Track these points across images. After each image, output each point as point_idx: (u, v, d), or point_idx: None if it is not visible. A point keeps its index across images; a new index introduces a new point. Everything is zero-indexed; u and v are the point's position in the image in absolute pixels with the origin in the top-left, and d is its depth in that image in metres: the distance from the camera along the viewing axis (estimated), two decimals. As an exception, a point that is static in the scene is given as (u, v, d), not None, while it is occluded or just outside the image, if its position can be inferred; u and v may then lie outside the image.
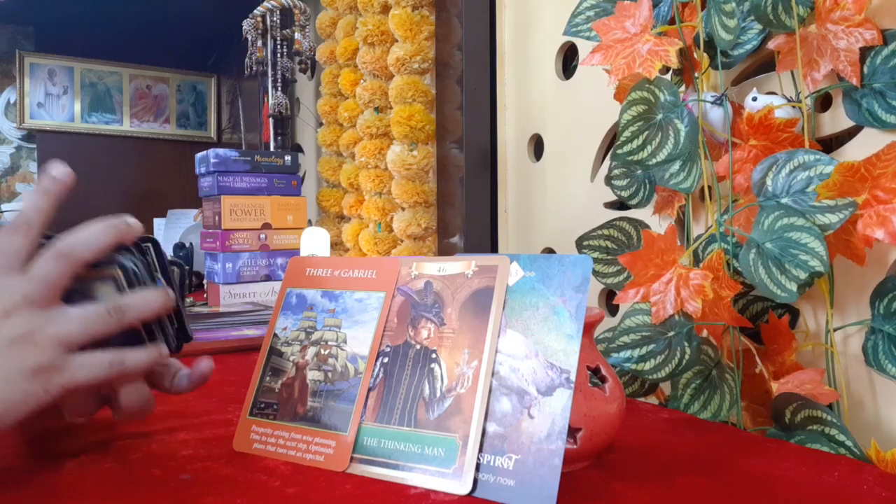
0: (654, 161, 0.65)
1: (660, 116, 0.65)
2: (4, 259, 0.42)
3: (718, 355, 0.64)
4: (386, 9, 1.37)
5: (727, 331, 0.64)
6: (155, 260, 0.49)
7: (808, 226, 0.53)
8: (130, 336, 0.45)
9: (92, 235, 0.44)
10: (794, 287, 0.52)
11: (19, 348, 0.40)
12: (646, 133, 0.65)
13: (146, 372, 0.46)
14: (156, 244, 0.49)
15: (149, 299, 0.45)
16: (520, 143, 1.08)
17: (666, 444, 0.51)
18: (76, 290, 0.44)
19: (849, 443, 0.53)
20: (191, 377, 0.49)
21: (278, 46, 1.82)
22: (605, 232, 0.77)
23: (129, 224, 0.46)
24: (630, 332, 0.64)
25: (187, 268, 1.68)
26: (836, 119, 0.61)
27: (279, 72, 1.83)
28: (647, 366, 0.63)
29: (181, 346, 0.50)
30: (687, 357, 0.61)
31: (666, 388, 0.75)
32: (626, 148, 0.65)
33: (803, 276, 0.52)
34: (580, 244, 0.78)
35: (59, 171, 0.45)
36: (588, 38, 0.76)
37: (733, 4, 0.62)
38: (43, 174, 0.45)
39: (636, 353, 0.63)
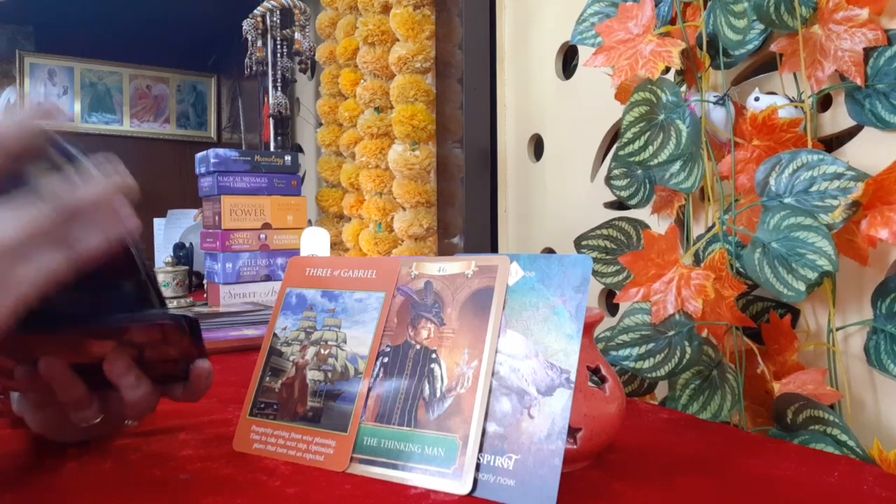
0: (655, 161, 0.65)
1: (662, 117, 0.65)
2: None
3: (719, 355, 0.64)
4: (386, 8, 1.37)
5: (729, 331, 0.64)
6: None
7: (816, 225, 0.53)
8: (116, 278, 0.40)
9: (12, 123, 0.36)
10: (802, 287, 0.52)
11: None
12: (648, 134, 0.65)
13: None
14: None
15: (100, 183, 0.37)
16: (520, 143, 1.08)
17: (666, 444, 0.51)
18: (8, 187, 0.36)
19: (851, 443, 0.53)
20: (193, 387, 0.46)
21: (278, 46, 1.82)
22: (604, 232, 0.77)
23: (54, 110, 0.38)
24: (629, 331, 0.64)
25: (185, 268, 1.68)
26: (837, 119, 0.61)
27: (279, 72, 1.83)
28: (646, 364, 0.63)
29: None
30: (687, 356, 0.61)
31: (662, 390, 0.75)
32: (629, 149, 0.65)
33: (812, 275, 0.52)
34: (579, 244, 0.78)
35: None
36: (593, 46, 0.75)
37: (744, 4, 0.62)
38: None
39: (635, 351, 0.63)
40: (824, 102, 0.63)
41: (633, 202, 0.79)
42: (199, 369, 0.45)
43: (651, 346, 0.63)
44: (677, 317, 0.62)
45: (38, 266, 0.35)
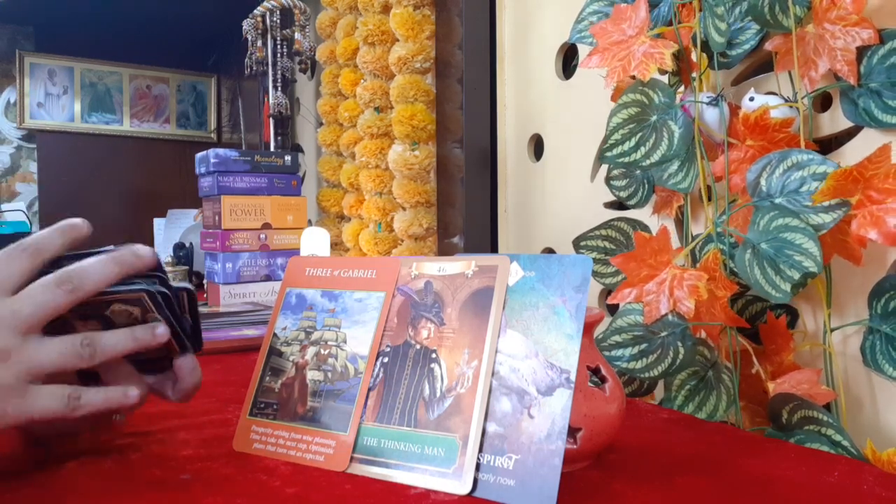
0: (647, 162, 0.65)
1: (654, 118, 0.65)
2: (2, 275, 0.41)
3: (715, 356, 0.64)
4: (386, 8, 1.37)
5: (724, 331, 0.64)
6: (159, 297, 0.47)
7: (803, 226, 0.53)
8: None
9: (98, 267, 0.43)
10: (787, 287, 0.53)
11: None
12: (639, 135, 0.65)
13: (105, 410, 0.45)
14: (163, 279, 0.47)
15: (121, 338, 0.44)
16: (520, 143, 1.08)
17: (666, 444, 0.51)
18: (97, 316, 0.44)
19: (845, 443, 0.53)
20: (183, 389, 0.48)
21: (278, 46, 1.82)
22: (603, 232, 0.77)
23: (138, 255, 0.45)
24: (622, 332, 0.65)
25: (185, 268, 1.68)
26: (836, 119, 0.61)
27: (279, 72, 1.83)
28: (639, 364, 0.63)
29: (199, 346, 0.49)
30: (681, 357, 0.61)
31: (658, 391, 0.75)
32: (617, 150, 0.65)
33: (797, 276, 0.52)
34: (577, 244, 0.78)
35: (81, 222, 0.45)
36: (592, 45, 0.76)
37: (723, 7, 0.62)
38: (66, 221, 0.45)
39: (628, 352, 0.64)
40: (824, 103, 0.63)
41: (632, 202, 0.79)
42: (182, 363, 0.47)
43: (644, 346, 0.63)
44: (670, 317, 0.62)
45: (46, 401, 0.41)
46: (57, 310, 0.41)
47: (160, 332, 0.45)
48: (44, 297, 0.41)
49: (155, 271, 0.46)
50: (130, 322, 0.45)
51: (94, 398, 0.43)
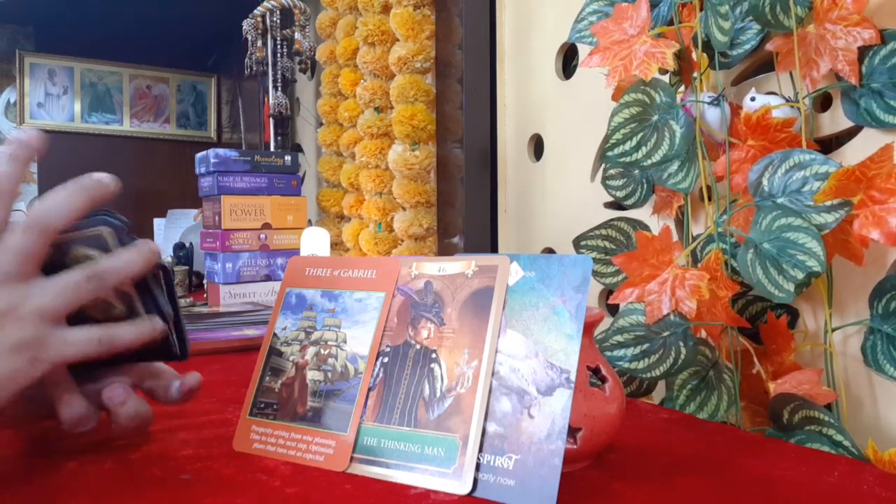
0: (649, 162, 0.65)
1: (655, 118, 0.65)
2: None
3: (716, 356, 0.64)
4: (386, 8, 1.37)
5: (725, 331, 0.64)
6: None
7: (806, 226, 0.53)
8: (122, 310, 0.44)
9: (64, 200, 0.41)
10: (791, 287, 0.52)
11: (1, 325, 0.39)
12: (641, 134, 0.65)
13: (138, 375, 0.46)
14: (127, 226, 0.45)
15: (129, 259, 0.43)
16: (520, 143, 1.08)
17: (666, 444, 0.51)
18: (60, 255, 0.42)
19: (846, 443, 0.53)
20: (180, 390, 0.49)
21: (278, 46, 1.82)
22: (604, 232, 0.77)
23: (102, 182, 0.43)
24: (623, 332, 0.64)
25: (185, 268, 1.68)
26: (836, 119, 0.61)
27: (279, 72, 1.83)
28: (641, 365, 0.63)
29: (186, 355, 0.48)
30: (682, 357, 0.61)
31: (659, 391, 0.75)
32: (619, 150, 0.65)
33: (801, 276, 0.52)
34: (578, 244, 0.78)
35: (28, 134, 0.43)
36: (591, 44, 0.76)
37: (727, 6, 0.62)
38: (11, 139, 0.43)
39: (629, 352, 0.63)
40: (824, 103, 0.63)
41: (629, 202, 0.79)
42: (188, 382, 0.49)
43: (646, 346, 0.63)
44: (672, 317, 0.62)
45: (75, 337, 0.41)
46: (36, 248, 0.40)
47: (153, 245, 0.44)
48: (18, 241, 0.40)
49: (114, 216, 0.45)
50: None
51: (128, 333, 0.43)
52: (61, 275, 0.41)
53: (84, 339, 0.41)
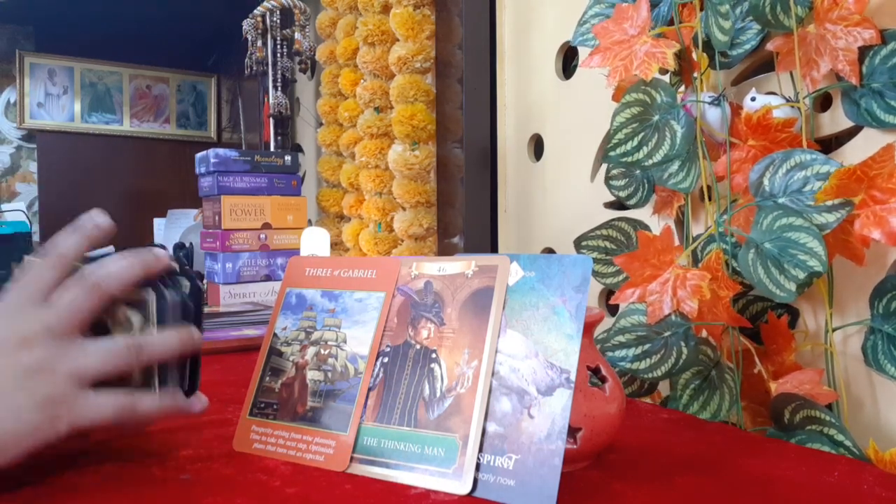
0: (650, 162, 0.65)
1: (656, 118, 0.65)
2: (31, 288, 0.41)
3: (718, 356, 0.64)
4: (386, 8, 1.37)
5: (726, 331, 0.64)
6: (186, 295, 0.47)
7: (807, 226, 0.53)
8: (146, 376, 0.45)
9: (122, 268, 0.43)
10: (792, 287, 0.52)
11: (33, 378, 0.39)
12: (642, 134, 0.65)
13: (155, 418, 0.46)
14: (191, 277, 0.47)
15: (170, 339, 0.44)
16: (520, 143, 1.08)
17: (666, 444, 0.51)
18: (104, 320, 0.43)
19: (847, 443, 0.53)
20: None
21: (278, 46, 1.82)
22: (604, 232, 0.77)
23: (158, 257, 0.45)
24: (625, 332, 0.65)
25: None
26: (836, 119, 0.61)
27: (279, 72, 1.83)
28: (643, 365, 0.63)
29: (194, 391, 0.48)
30: (684, 357, 0.61)
31: (664, 389, 0.75)
32: (620, 150, 0.65)
33: (802, 275, 0.52)
34: (578, 244, 0.78)
35: (102, 219, 0.45)
36: (594, 47, 0.76)
37: (727, 6, 0.62)
38: (86, 217, 0.44)
39: (631, 352, 0.63)
40: (824, 102, 0.63)
41: (631, 202, 0.79)
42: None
43: (647, 346, 0.63)
44: (673, 317, 0.62)
45: (97, 404, 0.41)
46: (88, 311, 0.41)
47: (196, 334, 0.45)
48: (73, 300, 0.41)
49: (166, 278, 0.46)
50: (129, 332, 0.45)
51: (150, 404, 0.43)
52: (102, 340, 0.42)
53: (107, 405, 0.42)
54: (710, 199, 0.67)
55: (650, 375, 0.62)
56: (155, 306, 0.44)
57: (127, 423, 0.43)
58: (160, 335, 0.44)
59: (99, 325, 0.43)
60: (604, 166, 0.90)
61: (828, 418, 0.54)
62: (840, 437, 0.53)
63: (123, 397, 0.42)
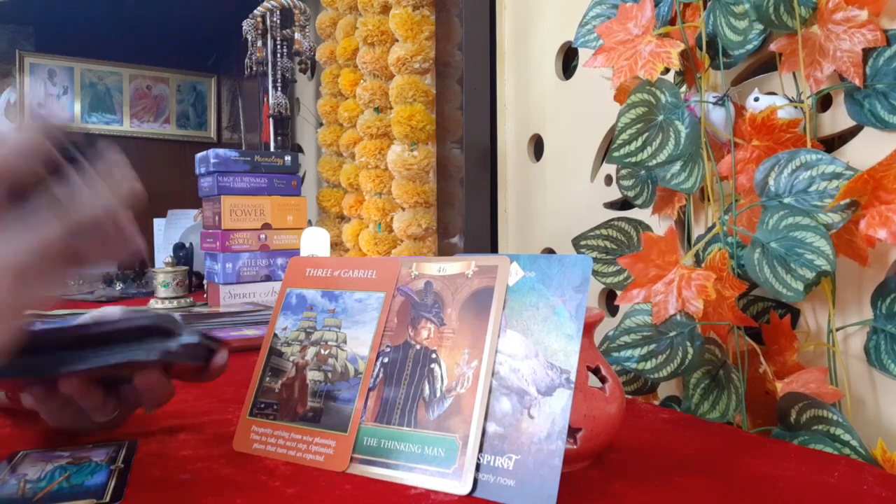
0: (654, 162, 0.65)
1: (661, 118, 0.65)
2: None
3: (725, 355, 0.64)
4: (386, 9, 1.37)
5: (731, 331, 0.64)
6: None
7: (814, 225, 0.53)
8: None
9: (20, 142, 0.36)
10: (800, 286, 0.52)
11: None
12: (646, 135, 0.65)
13: None
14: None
15: (102, 189, 0.37)
16: (520, 143, 1.08)
17: (666, 444, 0.51)
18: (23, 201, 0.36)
19: (854, 442, 0.53)
20: (210, 370, 0.49)
21: (278, 46, 1.82)
22: (603, 232, 0.77)
23: (59, 125, 0.38)
24: (631, 332, 0.65)
25: (185, 268, 1.67)
26: (837, 119, 0.61)
27: (279, 72, 1.83)
28: (649, 365, 0.63)
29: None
30: (690, 357, 0.61)
31: (664, 390, 0.75)
32: (624, 150, 0.65)
33: (810, 275, 0.52)
34: (577, 244, 0.78)
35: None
36: (596, 48, 0.76)
37: (745, 5, 0.61)
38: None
39: (637, 352, 0.63)
40: (824, 102, 0.63)
41: (638, 202, 0.79)
42: (217, 362, 0.48)
43: (653, 346, 0.63)
44: (678, 317, 0.62)
45: (41, 289, 0.36)
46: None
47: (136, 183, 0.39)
48: None
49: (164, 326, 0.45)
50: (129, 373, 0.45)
51: (94, 255, 0.37)
52: (24, 220, 0.36)
53: (53, 281, 0.36)
54: (712, 199, 0.67)
55: (656, 375, 0.62)
56: (73, 169, 0.37)
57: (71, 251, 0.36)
58: (88, 190, 0.37)
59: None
60: (604, 166, 0.90)
61: (835, 417, 0.54)
62: (846, 437, 0.53)
63: (68, 268, 0.36)
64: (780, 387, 0.58)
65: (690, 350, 0.61)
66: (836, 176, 0.54)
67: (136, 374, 0.45)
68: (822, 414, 0.55)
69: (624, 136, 0.65)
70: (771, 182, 0.57)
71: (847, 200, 0.53)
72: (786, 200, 0.56)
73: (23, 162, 0.36)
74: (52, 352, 0.43)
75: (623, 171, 0.81)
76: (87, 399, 0.46)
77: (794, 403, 0.57)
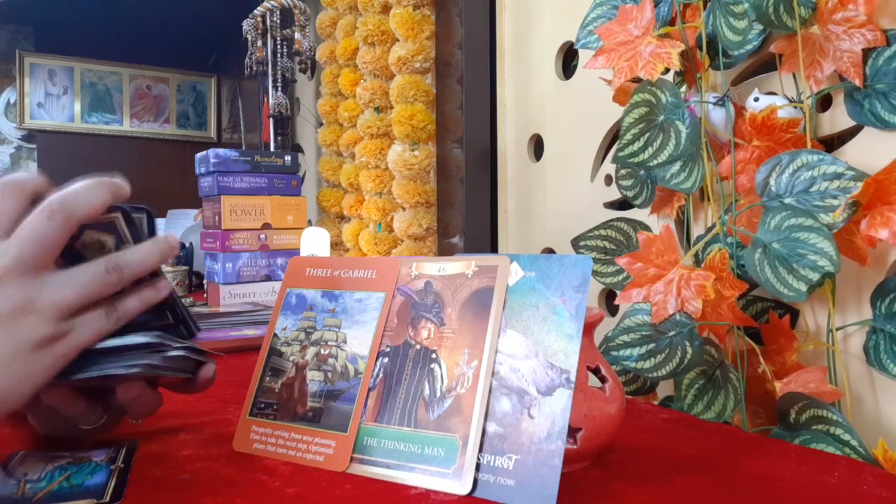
0: (655, 162, 0.65)
1: (661, 118, 0.65)
2: None
3: (722, 356, 0.64)
4: (386, 9, 1.37)
5: (731, 331, 0.64)
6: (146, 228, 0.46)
7: (817, 226, 0.53)
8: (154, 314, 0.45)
9: (87, 191, 0.40)
10: (803, 287, 0.52)
11: (18, 321, 0.37)
12: (647, 135, 0.65)
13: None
14: (150, 215, 0.47)
15: (147, 252, 0.42)
16: (520, 143, 1.08)
17: (666, 444, 0.51)
18: (76, 248, 0.41)
19: (854, 442, 0.53)
20: (196, 383, 0.49)
21: (278, 46, 1.82)
22: (603, 232, 0.77)
23: (120, 182, 0.42)
24: (630, 332, 0.65)
25: (185, 268, 1.68)
26: (836, 119, 0.61)
27: (279, 72, 1.83)
28: (647, 364, 0.63)
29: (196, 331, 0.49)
30: (689, 356, 0.61)
31: (663, 390, 0.75)
32: (628, 150, 0.65)
33: (814, 276, 0.52)
34: (577, 244, 0.78)
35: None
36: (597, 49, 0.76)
37: (744, 5, 0.62)
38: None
39: (636, 351, 0.63)
40: (824, 102, 0.63)
41: (637, 202, 0.79)
42: (204, 376, 0.48)
43: (652, 346, 0.63)
44: (678, 317, 0.62)
45: (90, 329, 0.40)
46: (55, 238, 0.39)
47: (172, 239, 0.44)
48: (36, 229, 0.38)
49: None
50: (103, 254, 0.43)
51: (131, 303, 0.42)
52: (80, 267, 0.40)
53: (95, 318, 0.40)
54: (711, 199, 0.67)
55: (654, 375, 0.62)
56: (125, 224, 0.43)
57: (116, 325, 0.42)
58: (136, 249, 0.42)
59: (72, 254, 0.41)
60: (604, 166, 0.90)
61: (834, 417, 0.54)
62: (846, 437, 0.53)
63: (104, 305, 0.41)
64: (779, 387, 0.58)
65: (689, 350, 0.62)
66: (838, 176, 0.54)
67: (117, 388, 0.45)
68: (822, 413, 0.55)
69: (628, 137, 0.65)
70: (772, 182, 0.57)
71: (850, 200, 0.53)
72: (787, 201, 0.56)
73: (90, 213, 0.41)
74: None
75: (622, 171, 0.81)
76: (71, 409, 0.45)
77: (793, 403, 0.57)
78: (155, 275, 0.45)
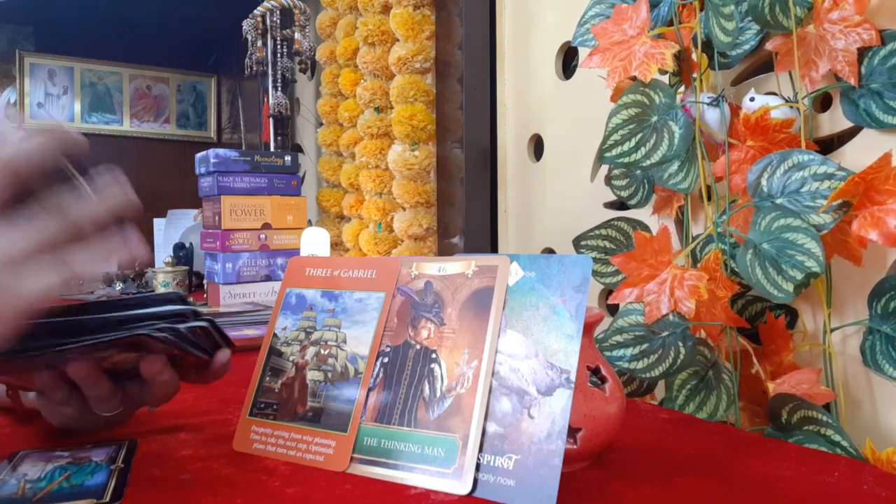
0: (647, 163, 0.65)
1: (655, 118, 0.65)
2: None
3: (715, 356, 0.64)
4: (386, 9, 1.38)
5: (724, 331, 0.64)
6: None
7: (805, 226, 0.53)
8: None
9: (31, 145, 0.38)
10: (790, 287, 0.52)
11: None
12: (640, 135, 0.65)
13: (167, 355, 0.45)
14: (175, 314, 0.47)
15: (98, 200, 0.39)
16: (520, 143, 1.08)
17: (666, 444, 0.51)
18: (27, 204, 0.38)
19: (844, 443, 0.53)
20: (212, 368, 0.50)
21: (278, 46, 1.82)
22: (603, 232, 0.77)
23: (73, 137, 0.39)
24: (623, 332, 0.65)
25: (185, 268, 1.68)
26: (836, 119, 0.61)
27: (279, 72, 1.83)
28: (640, 365, 0.63)
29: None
30: (682, 357, 0.61)
31: (662, 391, 0.75)
32: (617, 150, 0.65)
33: (800, 276, 0.52)
34: (577, 244, 0.78)
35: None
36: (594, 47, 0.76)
37: (732, 7, 0.62)
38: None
39: (629, 351, 0.64)
40: (824, 103, 0.63)
41: (632, 202, 0.79)
42: (220, 360, 0.49)
43: (645, 346, 0.63)
44: (671, 317, 0.62)
45: (37, 282, 0.37)
46: None
47: (130, 192, 0.40)
48: None
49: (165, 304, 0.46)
50: (136, 363, 0.45)
51: (82, 257, 0.38)
52: (23, 218, 0.37)
53: (43, 273, 0.37)
54: (709, 199, 0.67)
55: (647, 375, 0.62)
56: (79, 176, 0.39)
57: (69, 282, 0.38)
58: (86, 197, 0.39)
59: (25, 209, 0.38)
60: (605, 166, 0.90)
61: (825, 419, 0.54)
62: (837, 438, 0.53)
63: (53, 255, 0.37)
64: (773, 387, 0.59)
65: (682, 350, 0.62)
66: (829, 177, 0.54)
67: (141, 362, 0.45)
68: (813, 415, 0.55)
69: (616, 137, 0.65)
70: (763, 183, 0.57)
71: (839, 201, 0.53)
72: (778, 201, 0.56)
73: (34, 165, 0.38)
74: (60, 333, 0.43)
75: (616, 172, 0.81)
76: (95, 388, 0.46)
77: (784, 404, 0.57)
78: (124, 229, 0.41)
